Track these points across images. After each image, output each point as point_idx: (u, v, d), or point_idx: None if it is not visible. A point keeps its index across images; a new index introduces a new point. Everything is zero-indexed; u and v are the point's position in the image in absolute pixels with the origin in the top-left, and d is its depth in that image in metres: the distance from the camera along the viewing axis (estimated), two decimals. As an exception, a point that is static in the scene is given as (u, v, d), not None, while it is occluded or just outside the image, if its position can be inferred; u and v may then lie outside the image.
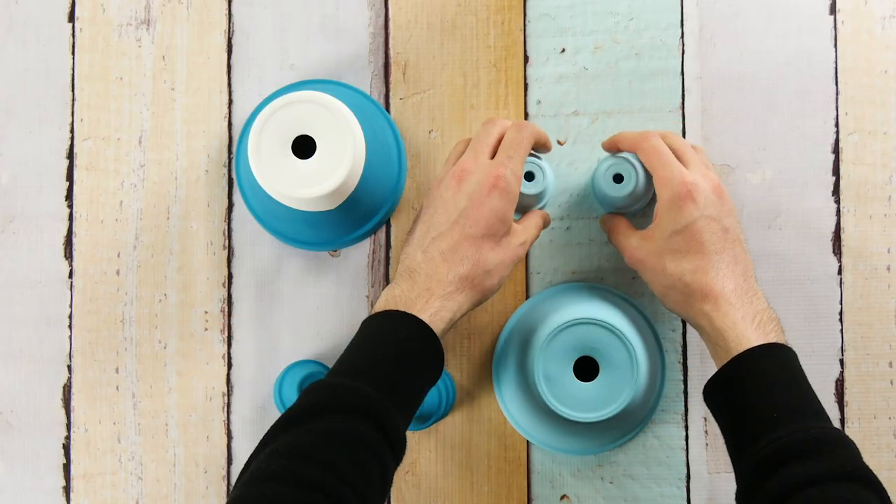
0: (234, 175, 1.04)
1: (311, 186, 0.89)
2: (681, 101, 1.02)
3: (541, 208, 0.99)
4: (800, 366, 0.84)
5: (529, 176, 0.95)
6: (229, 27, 1.05)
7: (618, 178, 0.96)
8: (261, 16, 1.05)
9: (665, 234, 0.88)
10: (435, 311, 0.85)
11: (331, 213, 0.94)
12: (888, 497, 0.77)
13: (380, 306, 0.86)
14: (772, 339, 0.84)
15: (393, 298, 0.86)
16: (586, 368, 0.96)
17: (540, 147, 0.94)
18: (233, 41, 1.05)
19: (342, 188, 0.91)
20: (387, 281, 1.03)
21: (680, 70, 1.02)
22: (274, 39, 1.04)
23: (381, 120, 1.01)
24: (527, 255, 1.02)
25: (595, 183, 0.99)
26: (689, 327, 1.01)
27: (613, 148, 0.96)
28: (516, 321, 1.01)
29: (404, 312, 0.84)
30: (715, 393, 0.85)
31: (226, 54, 1.05)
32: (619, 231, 0.94)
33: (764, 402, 0.82)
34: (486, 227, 0.86)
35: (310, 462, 0.75)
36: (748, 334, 0.84)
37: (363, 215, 1.00)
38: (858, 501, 0.76)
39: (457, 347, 1.02)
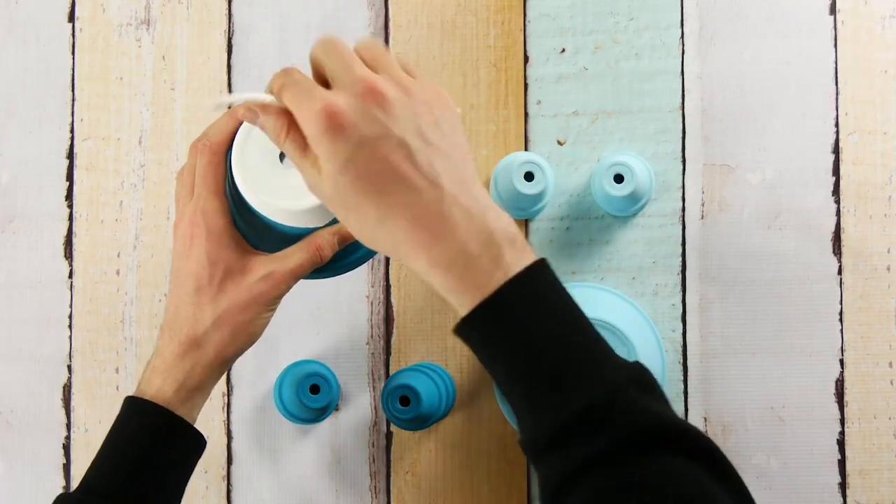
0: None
1: (300, 198, 0.76)
2: (681, 101, 1.02)
3: (540, 209, 1.00)
4: (557, 281, 0.67)
5: (529, 176, 0.96)
6: (229, 27, 1.06)
7: (618, 178, 0.96)
8: (261, 16, 1.05)
9: (331, 177, 0.65)
10: (158, 389, 0.79)
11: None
12: (721, 460, 0.64)
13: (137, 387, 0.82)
14: (512, 271, 0.64)
15: (140, 379, 0.82)
16: None
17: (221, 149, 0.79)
18: (233, 41, 1.06)
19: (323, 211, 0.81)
20: (387, 281, 1.04)
21: (680, 70, 1.02)
22: (274, 39, 1.05)
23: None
24: None
25: (595, 183, 0.99)
26: (689, 328, 1.01)
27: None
28: None
29: (132, 398, 0.80)
30: (470, 338, 0.67)
31: (226, 54, 1.05)
32: (285, 142, 0.69)
33: (530, 354, 0.64)
34: (195, 278, 0.78)
35: None
36: (481, 283, 0.64)
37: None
38: (665, 474, 0.61)
39: (457, 348, 1.03)
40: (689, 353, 1.01)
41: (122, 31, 1.06)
